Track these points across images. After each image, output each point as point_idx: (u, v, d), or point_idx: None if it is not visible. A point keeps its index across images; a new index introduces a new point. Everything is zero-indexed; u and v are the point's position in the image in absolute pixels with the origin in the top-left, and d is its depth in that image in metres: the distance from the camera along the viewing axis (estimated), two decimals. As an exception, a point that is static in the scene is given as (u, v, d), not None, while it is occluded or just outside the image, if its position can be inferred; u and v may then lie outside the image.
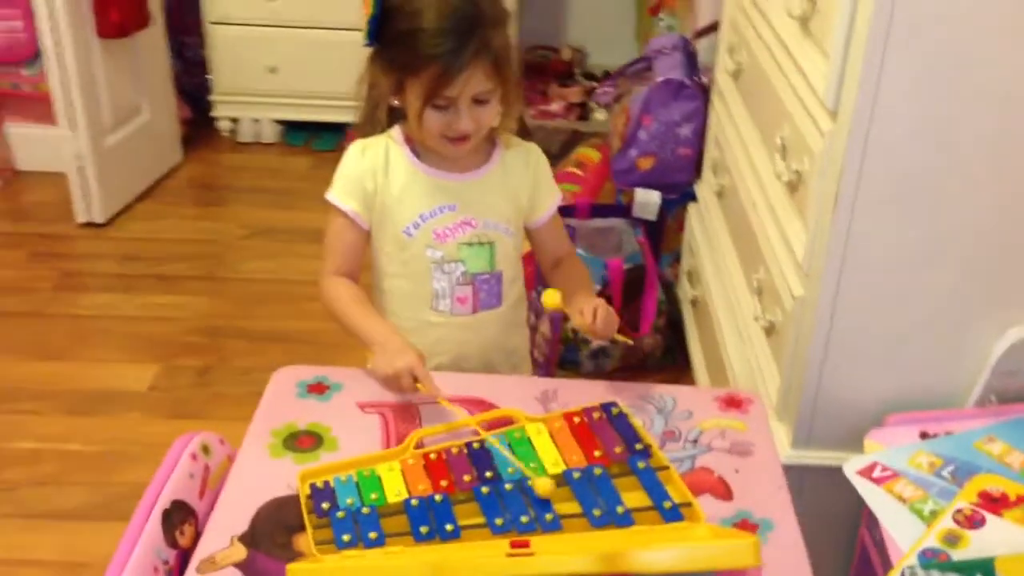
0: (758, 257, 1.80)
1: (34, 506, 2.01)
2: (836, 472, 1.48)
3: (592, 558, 0.94)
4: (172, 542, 1.15)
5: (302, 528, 1.15)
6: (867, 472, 1.44)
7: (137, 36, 3.14)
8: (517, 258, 1.56)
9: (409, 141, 1.47)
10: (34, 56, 3.13)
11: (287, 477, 1.23)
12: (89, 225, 3.08)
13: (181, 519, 1.17)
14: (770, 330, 1.70)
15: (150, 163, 3.36)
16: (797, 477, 1.62)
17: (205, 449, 1.26)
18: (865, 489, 1.42)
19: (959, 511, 1.33)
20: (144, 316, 2.67)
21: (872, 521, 1.45)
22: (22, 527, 1.96)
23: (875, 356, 1.52)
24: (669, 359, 2.47)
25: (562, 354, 2.37)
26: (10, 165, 3.42)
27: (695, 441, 1.35)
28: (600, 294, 2.30)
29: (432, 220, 1.46)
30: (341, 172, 1.48)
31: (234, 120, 3.69)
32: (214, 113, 3.68)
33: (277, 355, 2.49)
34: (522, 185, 1.51)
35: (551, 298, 1.41)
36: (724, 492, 1.26)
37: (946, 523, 1.32)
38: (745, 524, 1.21)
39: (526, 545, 0.98)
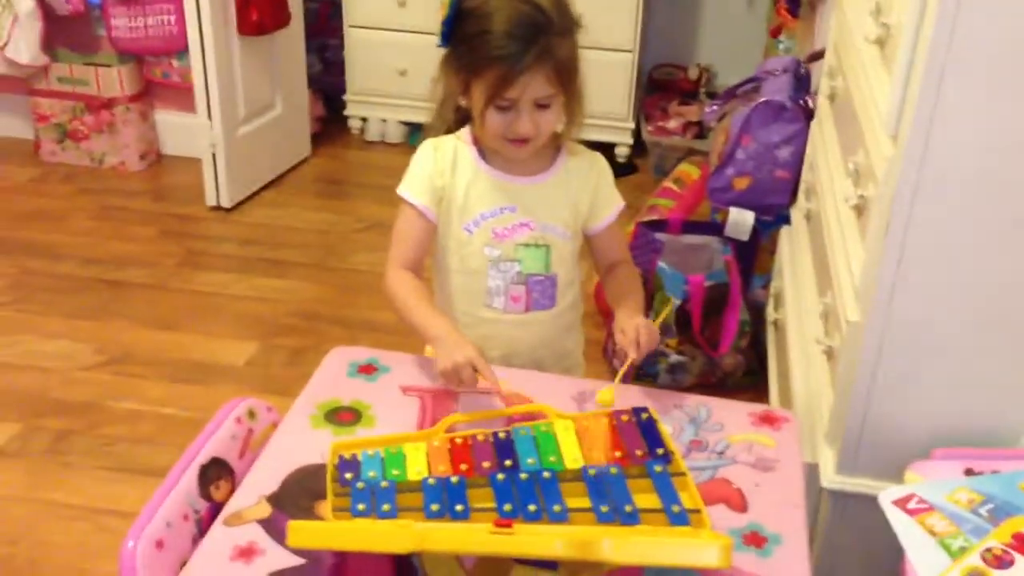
0: (827, 282, 1.78)
1: (127, 462, 2.17)
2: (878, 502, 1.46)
3: (565, 543, 0.98)
4: (206, 495, 1.24)
5: (324, 494, 1.23)
6: (903, 503, 1.42)
7: (276, 35, 3.33)
8: (574, 263, 1.60)
9: (476, 142, 1.53)
10: (185, 48, 3.33)
11: (322, 447, 1.30)
12: (217, 209, 3.29)
13: (217, 475, 1.26)
14: (829, 354, 1.69)
15: (279, 155, 3.55)
16: (841, 503, 1.61)
17: (251, 414, 1.36)
18: (897, 519, 1.40)
19: (988, 550, 1.30)
20: (252, 296, 2.84)
21: (914, 555, 1.42)
22: (113, 479, 2.12)
23: (924, 387, 1.50)
24: (750, 380, 2.45)
25: (640, 366, 2.39)
26: (156, 148, 3.67)
27: (721, 453, 1.36)
28: (680, 309, 2.33)
29: (492, 219, 1.52)
30: (413, 168, 1.56)
31: (364, 119, 3.85)
32: (346, 112, 3.85)
33: (367, 343, 2.58)
34: (583, 192, 1.55)
35: (605, 397, 1.42)
36: (739, 504, 1.27)
37: (972, 560, 1.29)
38: (755, 536, 1.22)
39: (509, 526, 1.03)
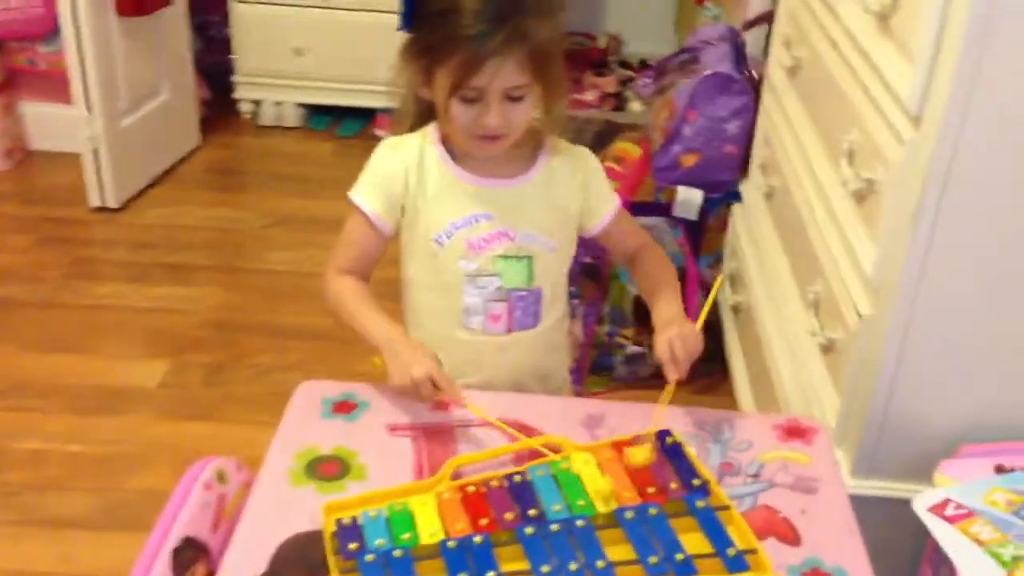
0: (815, 269, 1.67)
1: (35, 512, 1.90)
2: (896, 505, 1.38)
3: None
4: (182, 583, 1.04)
5: (327, 568, 1.04)
6: (939, 509, 1.32)
7: (158, 14, 3.04)
8: (560, 275, 1.43)
9: (445, 141, 1.35)
10: (52, 32, 3.03)
11: (310, 509, 1.11)
12: (102, 210, 2.97)
13: (192, 558, 1.06)
14: (828, 348, 1.58)
15: (167, 146, 3.26)
16: (858, 508, 1.51)
17: (220, 477, 1.15)
18: (938, 529, 1.30)
19: (1046, 559, 1.21)
20: (156, 308, 2.56)
21: (937, 560, 1.33)
22: (22, 535, 1.85)
23: (949, 381, 1.41)
24: (708, 367, 2.34)
25: (595, 359, 2.25)
26: (22, 144, 3.31)
27: (756, 475, 1.23)
28: (636, 296, 2.20)
29: (465, 229, 1.34)
30: (368, 170, 1.37)
31: (256, 103, 3.58)
32: (236, 95, 3.57)
33: (298, 353, 2.37)
34: (570, 195, 1.38)
35: (639, 456, 1.18)
36: (791, 536, 1.14)
37: (1033, 573, 1.20)
38: (816, 573, 1.09)
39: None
